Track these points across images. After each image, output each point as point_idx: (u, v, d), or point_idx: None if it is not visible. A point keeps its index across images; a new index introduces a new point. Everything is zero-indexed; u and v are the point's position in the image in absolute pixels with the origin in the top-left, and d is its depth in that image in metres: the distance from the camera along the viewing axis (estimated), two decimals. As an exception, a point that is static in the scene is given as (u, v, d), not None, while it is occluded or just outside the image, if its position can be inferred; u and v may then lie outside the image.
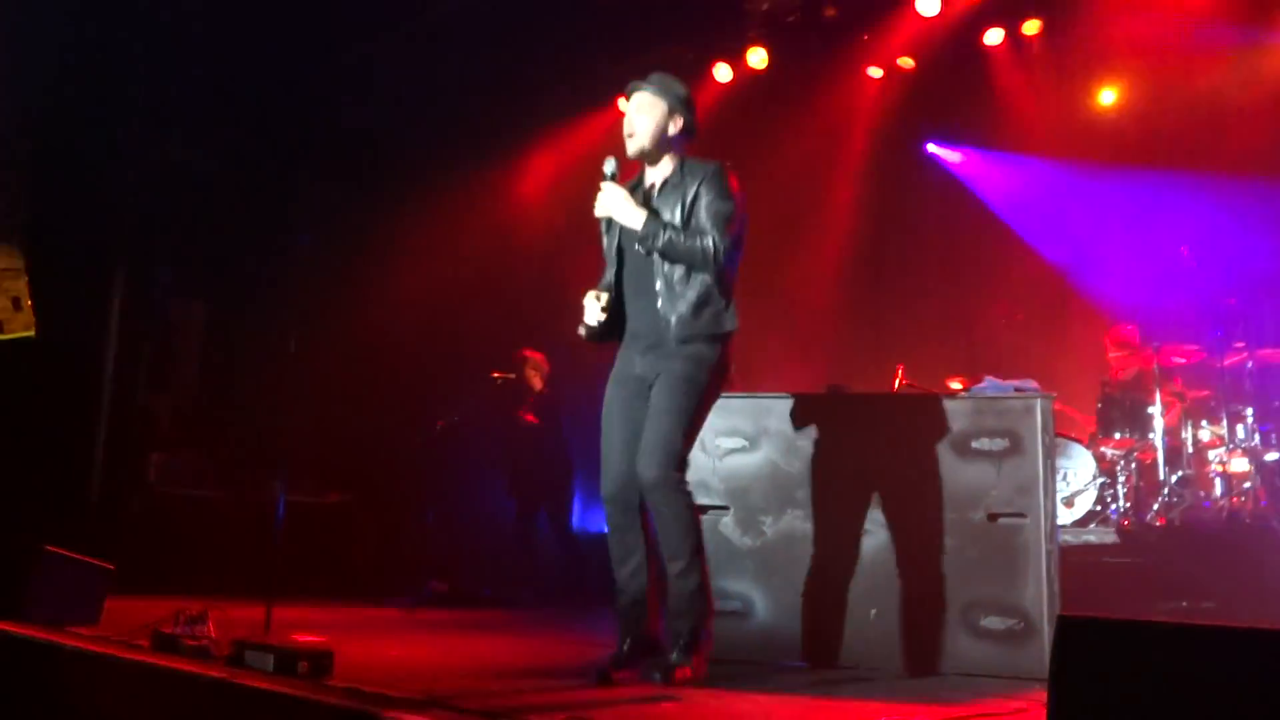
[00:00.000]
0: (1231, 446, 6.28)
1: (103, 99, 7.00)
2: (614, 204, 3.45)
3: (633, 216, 3.42)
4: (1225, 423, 6.32)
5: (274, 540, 4.51)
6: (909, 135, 8.70)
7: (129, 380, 7.18)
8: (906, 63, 8.12)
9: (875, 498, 4.08)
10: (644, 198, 3.54)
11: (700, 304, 3.38)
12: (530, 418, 7.25)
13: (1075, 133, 8.02)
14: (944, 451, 4.04)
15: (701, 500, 4.25)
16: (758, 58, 7.99)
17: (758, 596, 4.14)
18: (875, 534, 4.05)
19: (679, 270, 3.40)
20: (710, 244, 3.34)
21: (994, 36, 7.71)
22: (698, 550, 3.33)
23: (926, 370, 6.98)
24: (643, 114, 3.55)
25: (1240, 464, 6.24)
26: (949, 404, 4.11)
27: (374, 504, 8.15)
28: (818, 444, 4.21)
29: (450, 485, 7.67)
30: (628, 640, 3.43)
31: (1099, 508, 6.37)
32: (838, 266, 9.05)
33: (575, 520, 7.74)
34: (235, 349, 7.77)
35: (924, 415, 4.10)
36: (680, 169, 3.54)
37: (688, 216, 3.43)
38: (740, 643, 4.09)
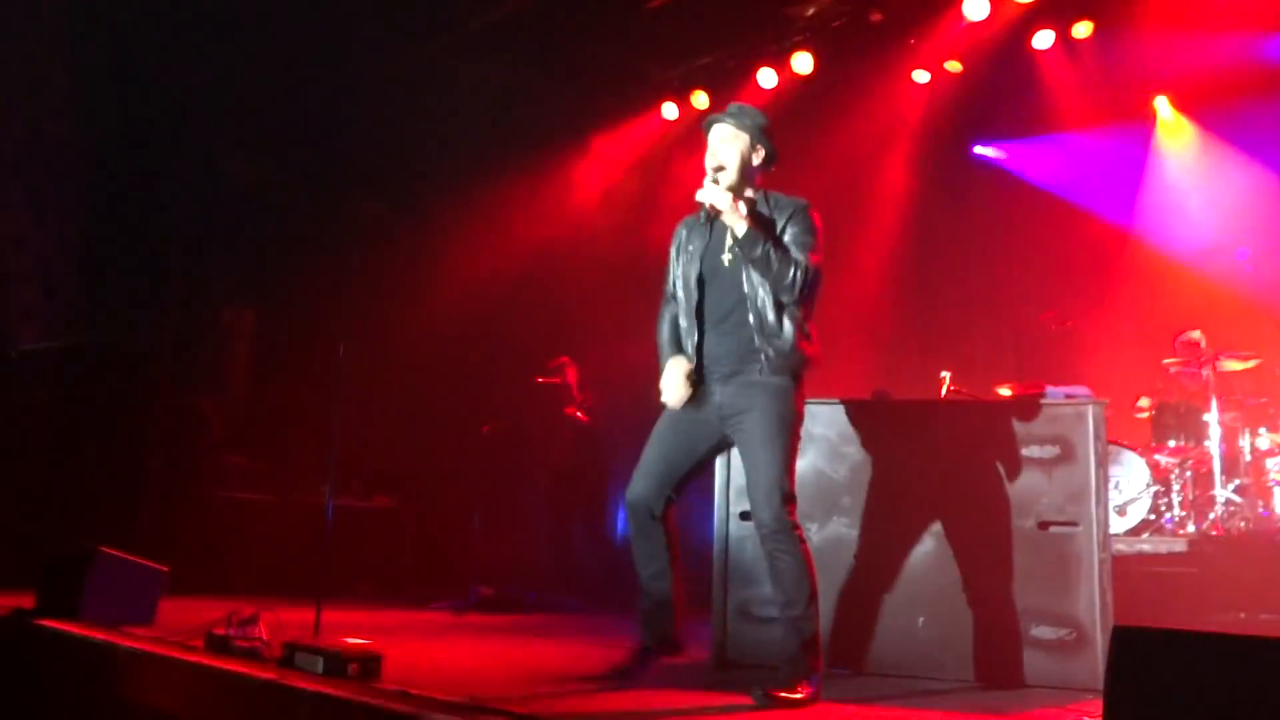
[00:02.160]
0: (1291, 454, 6.13)
1: (159, 114, 7.15)
2: (721, 199, 3.38)
3: (737, 219, 3.37)
4: (1285, 430, 6.17)
5: (323, 544, 4.56)
6: (956, 140, 8.61)
7: (183, 386, 7.32)
8: (954, 66, 8.03)
9: (922, 505, 4.03)
10: (723, 227, 3.48)
11: (797, 337, 3.40)
12: (581, 416, 7.30)
13: (1128, 135, 7.88)
14: (993, 459, 3.99)
15: (746, 506, 4.25)
16: (803, 62, 7.95)
17: (818, 603, 4.10)
18: (923, 542, 4.01)
19: (770, 302, 3.39)
20: (800, 273, 3.35)
21: (1043, 39, 7.60)
22: (813, 597, 3.32)
23: (974, 377, 6.90)
24: (728, 145, 3.53)
25: (1300, 472, 6.09)
26: (998, 411, 4.06)
27: (421, 509, 8.22)
28: (864, 450, 4.18)
29: (496, 490, 7.71)
30: (650, 640, 3.48)
31: (1153, 516, 6.24)
32: (884, 273, 8.97)
33: (617, 526, 7.75)
34: (285, 356, 7.89)
35: (972, 422, 4.06)
36: (766, 200, 3.53)
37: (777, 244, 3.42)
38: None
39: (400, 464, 8.27)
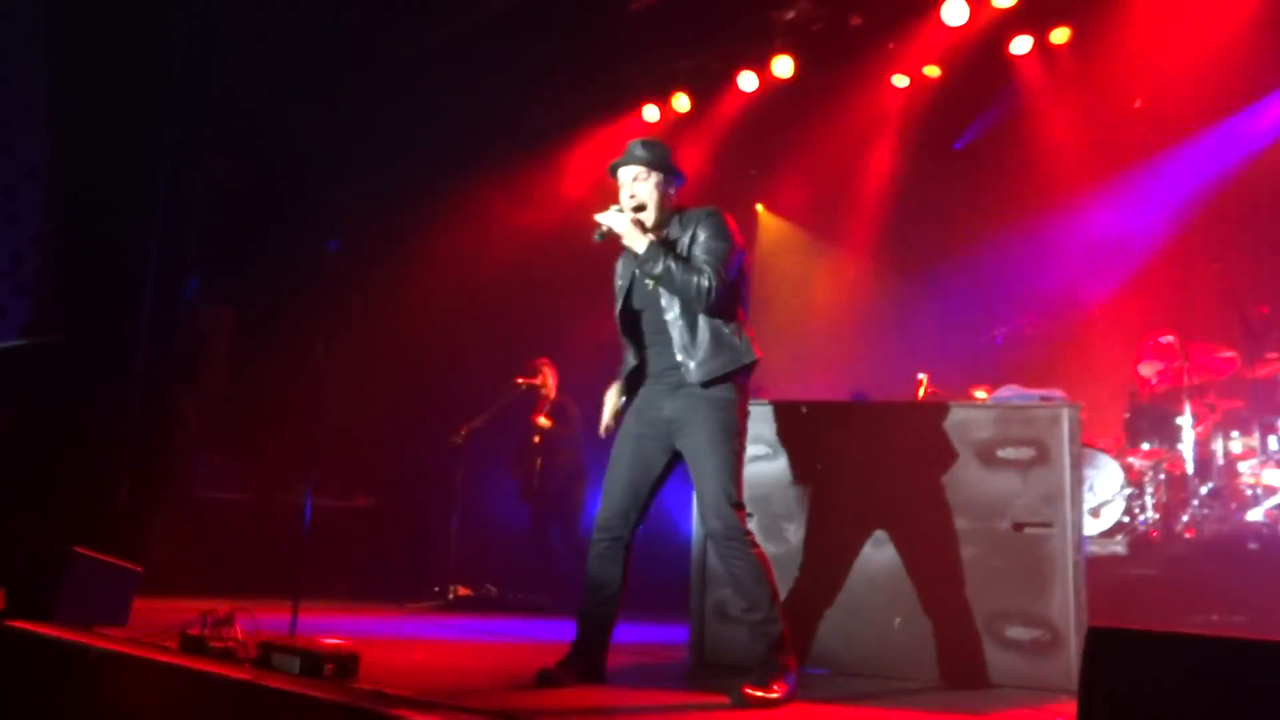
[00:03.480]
0: (1264, 458, 6.19)
1: (134, 109, 7.08)
2: (620, 222, 3.50)
3: (637, 238, 3.47)
4: (1258, 434, 6.23)
5: (301, 543, 4.54)
6: (934, 145, 8.67)
7: (159, 384, 7.25)
8: (933, 71, 8.08)
9: (899, 506, 4.06)
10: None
11: (715, 345, 3.44)
12: (544, 420, 7.29)
13: (1105, 142, 7.95)
14: (969, 461, 4.02)
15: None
16: (783, 66, 7.98)
17: (780, 603, 4.11)
18: (899, 543, 4.03)
19: (685, 318, 3.46)
20: (705, 282, 3.38)
21: (1021, 45, 7.66)
22: (775, 598, 3.35)
23: (951, 379, 6.94)
24: (642, 184, 3.62)
25: (1273, 476, 6.15)
26: (974, 413, 4.09)
27: (399, 508, 8.19)
28: (841, 452, 4.20)
29: (474, 490, 7.70)
30: (578, 658, 3.49)
31: (1127, 519, 6.29)
32: (862, 275, 9.03)
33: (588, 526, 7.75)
34: (263, 354, 7.84)
35: (949, 424, 4.09)
36: (679, 221, 3.61)
37: (686, 256, 3.50)
38: (763, 651, 4.07)
39: (379, 464, 8.24)
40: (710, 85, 8.45)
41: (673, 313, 3.49)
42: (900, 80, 8.21)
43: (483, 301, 8.47)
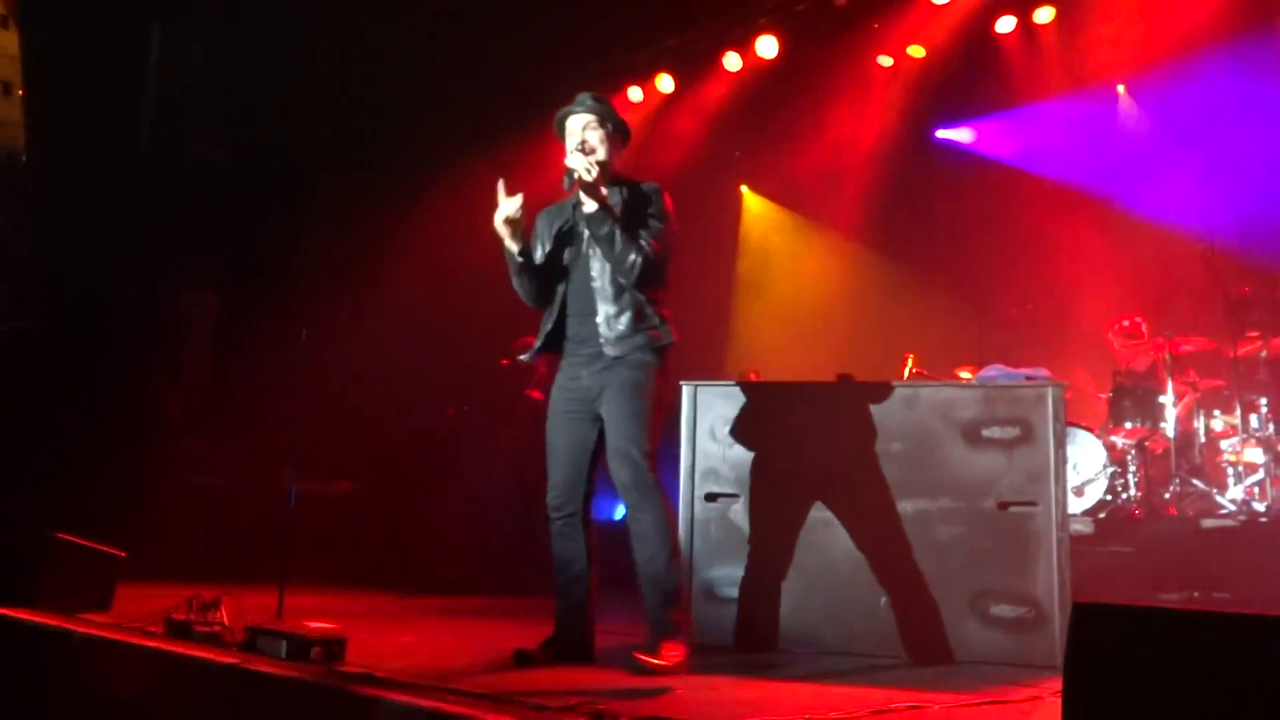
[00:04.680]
0: (1245, 436, 6.25)
1: (116, 92, 7.01)
2: (589, 171, 3.39)
3: (595, 193, 3.42)
4: (1239, 412, 6.29)
5: (286, 528, 4.52)
6: (919, 124, 8.67)
7: (140, 369, 7.20)
8: (917, 51, 8.07)
9: (886, 486, 4.07)
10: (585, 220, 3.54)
11: (637, 321, 3.45)
12: (538, 395, 7.27)
13: (1088, 120, 7.97)
14: (955, 440, 4.03)
15: (711, 488, 4.27)
16: (768, 46, 7.96)
17: (767, 584, 4.13)
18: (885, 522, 4.05)
19: (613, 288, 3.47)
20: (638, 257, 3.39)
21: (1006, 24, 7.66)
22: (674, 554, 3.36)
23: (936, 359, 6.97)
24: (594, 132, 3.57)
25: (1254, 454, 6.21)
26: (960, 392, 4.10)
27: (385, 492, 8.16)
28: (828, 432, 4.21)
29: (460, 472, 7.68)
30: (560, 638, 3.50)
31: (1109, 497, 6.34)
32: (847, 255, 9.04)
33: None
34: (246, 338, 7.78)
35: (935, 403, 4.10)
36: (619, 189, 3.58)
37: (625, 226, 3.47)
38: (751, 629, 4.09)
39: (364, 448, 8.20)
40: (695, 65, 8.42)
41: (601, 281, 3.48)
42: (885, 60, 8.20)
43: (467, 284, 8.43)
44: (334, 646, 3.16)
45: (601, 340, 3.47)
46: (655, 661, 3.15)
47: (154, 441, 7.21)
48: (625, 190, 3.58)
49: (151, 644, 3.33)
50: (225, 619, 3.55)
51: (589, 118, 3.59)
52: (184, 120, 7.58)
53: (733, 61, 8.20)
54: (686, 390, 4.41)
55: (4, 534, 4.46)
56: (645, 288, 3.48)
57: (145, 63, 7.13)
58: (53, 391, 6.55)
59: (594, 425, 3.52)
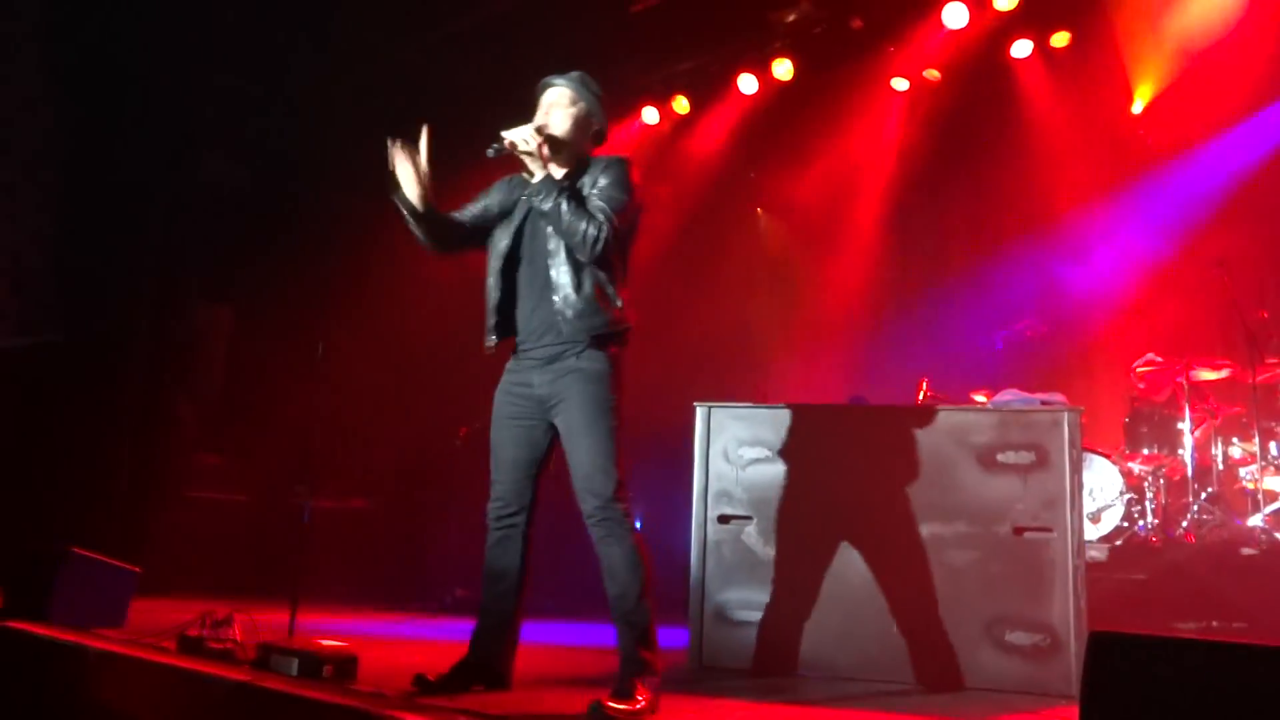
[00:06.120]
0: (1264, 464, 6.19)
1: (134, 108, 7.08)
2: (529, 143, 3.26)
3: (537, 163, 3.26)
4: (1257, 440, 6.23)
5: (299, 545, 4.53)
6: (935, 148, 8.66)
7: (156, 383, 7.23)
8: (933, 74, 8.09)
9: (899, 510, 4.05)
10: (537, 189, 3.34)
11: (598, 301, 3.22)
12: None
13: (1104, 146, 7.96)
14: (969, 464, 4.01)
15: (725, 510, 4.26)
16: (783, 69, 7.98)
17: (779, 607, 4.11)
18: (898, 546, 4.02)
19: (570, 269, 3.24)
20: (593, 230, 3.15)
21: (1022, 49, 7.66)
22: (646, 589, 3.14)
23: (951, 383, 6.94)
24: (560, 110, 3.40)
25: (1273, 482, 6.15)
26: (975, 417, 4.09)
27: (399, 509, 8.17)
28: (841, 455, 4.19)
29: (474, 491, 7.68)
30: (471, 662, 3.26)
31: (1126, 524, 6.29)
32: (862, 278, 9.02)
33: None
34: (262, 354, 7.82)
35: (949, 427, 4.08)
36: (588, 170, 3.36)
37: (583, 199, 3.28)
38: (762, 653, 4.07)
39: (379, 464, 8.22)
40: (710, 87, 8.44)
41: (556, 261, 3.26)
42: (900, 83, 8.21)
43: (483, 303, 8.45)
44: (346, 665, 3.16)
45: (558, 319, 3.23)
46: (620, 708, 2.88)
47: (169, 456, 7.24)
48: (590, 168, 3.35)
49: (164, 660, 3.33)
50: (238, 635, 3.56)
51: (564, 93, 3.42)
52: (202, 137, 7.64)
53: (748, 84, 8.22)
54: (700, 411, 4.41)
55: (21, 548, 4.48)
56: (605, 266, 3.25)
57: (166, 80, 7.20)
58: (69, 405, 6.59)
59: (546, 435, 3.33)
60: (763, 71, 8.11)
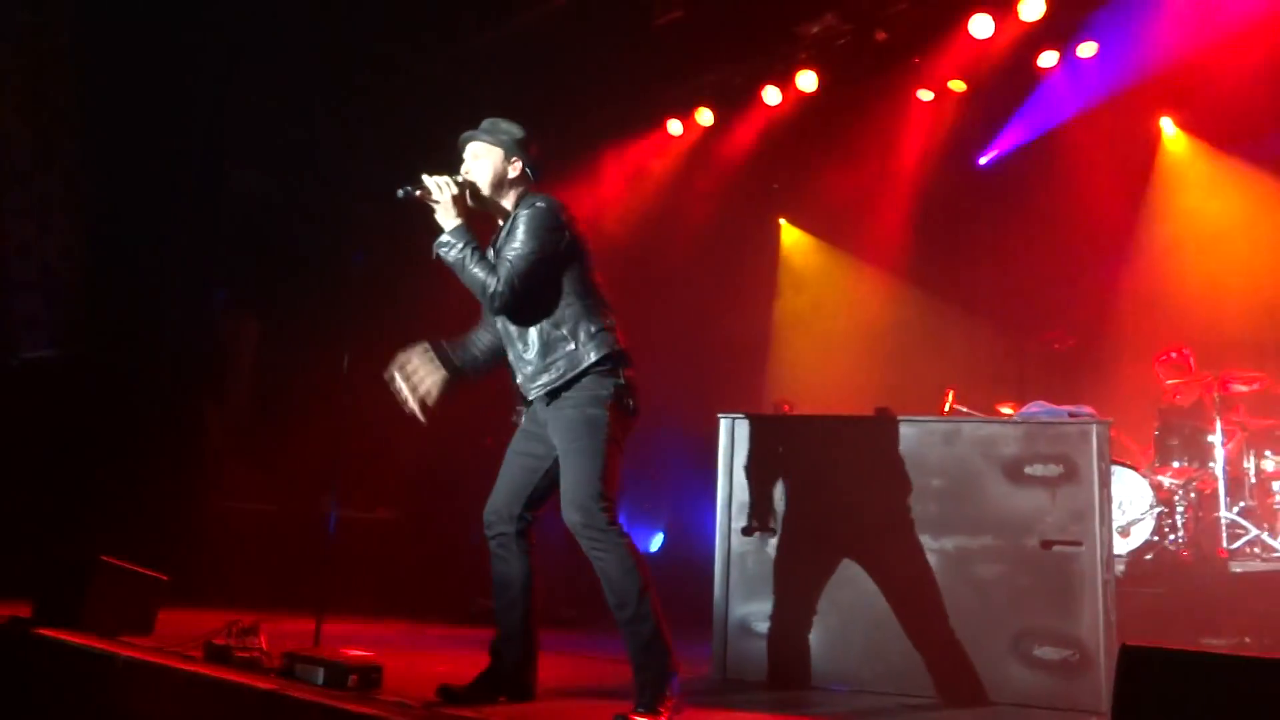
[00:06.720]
0: (1296, 477, 6.11)
1: (164, 122, 7.17)
2: (442, 193, 3.27)
3: (447, 215, 3.27)
4: (1289, 453, 6.15)
5: (325, 554, 4.55)
6: (960, 159, 8.63)
7: (184, 394, 7.30)
8: (958, 86, 8.06)
9: (925, 522, 4.02)
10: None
11: (545, 355, 3.25)
12: None
13: (1131, 155, 7.91)
14: (996, 477, 3.98)
15: (748, 522, 4.24)
16: (808, 80, 7.97)
17: (802, 619, 4.09)
18: (925, 559, 3.99)
19: (515, 325, 3.31)
20: (491, 286, 3.19)
21: (1048, 59, 7.63)
22: (645, 593, 3.08)
23: (976, 395, 6.89)
24: (480, 161, 3.42)
25: (1305, 495, 6.07)
26: (1002, 429, 4.05)
27: (423, 520, 8.19)
28: (866, 467, 4.17)
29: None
30: (493, 673, 3.29)
31: (1156, 538, 6.22)
32: (887, 288, 8.99)
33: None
34: (288, 365, 7.88)
35: (976, 439, 4.05)
36: (516, 210, 3.35)
37: (499, 249, 3.29)
38: (784, 666, 4.05)
39: (404, 475, 8.24)
40: (734, 99, 8.45)
41: (509, 325, 3.32)
42: (925, 94, 8.19)
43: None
44: (371, 675, 3.17)
45: (531, 369, 3.27)
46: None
47: (197, 466, 7.30)
48: (520, 207, 3.33)
49: (191, 668, 3.36)
50: (264, 644, 3.57)
51: (479, 147, 3.44)
52: (231, 149, 7.73)
53: (772, 95, 8.22)
54: (724, 423, 4.40)
55: (51, 557, 4.53)
56: (540, 316, 3.25)
57: (196, 93, 7.29)
58: (99, 416, 6.66)
59: (551, 455, 3.32)
60: (787, 84, 8.11)
